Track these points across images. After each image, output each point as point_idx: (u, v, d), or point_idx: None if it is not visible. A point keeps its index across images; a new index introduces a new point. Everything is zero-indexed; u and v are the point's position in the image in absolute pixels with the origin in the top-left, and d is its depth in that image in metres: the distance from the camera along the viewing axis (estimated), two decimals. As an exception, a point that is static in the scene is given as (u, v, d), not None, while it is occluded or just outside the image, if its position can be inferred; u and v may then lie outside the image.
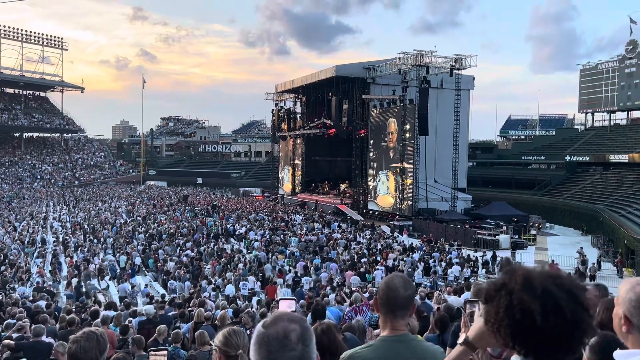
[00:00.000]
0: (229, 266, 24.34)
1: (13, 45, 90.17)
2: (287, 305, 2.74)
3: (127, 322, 10.51)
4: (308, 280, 21.49)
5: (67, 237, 33.90)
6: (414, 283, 15.87)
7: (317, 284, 20.71)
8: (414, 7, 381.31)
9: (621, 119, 64.31)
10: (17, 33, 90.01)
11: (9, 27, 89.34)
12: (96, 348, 2.78)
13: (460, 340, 1.85)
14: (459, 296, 11.92)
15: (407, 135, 44.57)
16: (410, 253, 28.58)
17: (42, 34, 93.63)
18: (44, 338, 8.56)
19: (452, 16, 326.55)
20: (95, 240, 32.83)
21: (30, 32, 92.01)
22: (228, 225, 38.41)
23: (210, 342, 8.00)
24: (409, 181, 44.22)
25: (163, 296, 18.36)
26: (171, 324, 10.98)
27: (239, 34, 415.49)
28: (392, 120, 46.65)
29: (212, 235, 34.67)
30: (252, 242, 32.11)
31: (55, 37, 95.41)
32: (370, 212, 48.29)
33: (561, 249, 34.04)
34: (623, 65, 60.54)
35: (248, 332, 7.97)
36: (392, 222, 42.21)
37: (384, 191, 48.03)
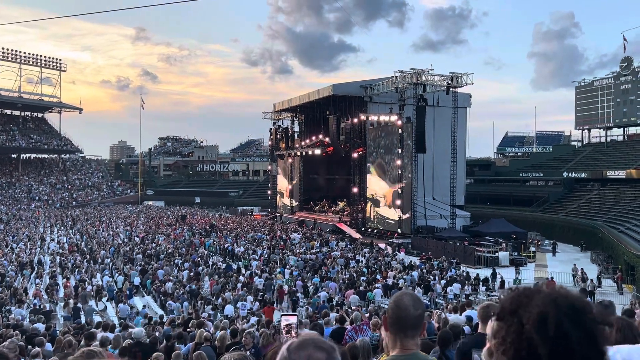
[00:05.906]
0: (227, 286, 24.17)
1: (11, 67, 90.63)
2: (289, 320, 2.72)
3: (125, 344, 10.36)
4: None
5: (64, 258, 33.67)
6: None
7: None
8: (418, 26, 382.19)
9: (617, 135, 64.60)
10: (16, 55, 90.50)
11: (8, 49, 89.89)
12: None
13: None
14: (460, 314, 11.82)
15: (405, 153, 44.64)
16: (410, 271, 28.41)
17: (40, 56, 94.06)
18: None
19: (455, 34, 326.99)
20: (92, 261, 32.60)
21: (29, 53, 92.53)
22: (226, 245, 38.25)
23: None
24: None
25: (162, 317, 18.18)
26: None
27: (241, 53, 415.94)
28: (390, 138, 46.76)
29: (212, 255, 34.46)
30: (251, 261, 31.92)
31: (53, 58, 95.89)
32: (369, 230, 48.18)
33: (561, 265, 33.94)
34: (618, 82, 60.97)
35: (248, 352, 7.89)
36: (391, 240, 42.09)
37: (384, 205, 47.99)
